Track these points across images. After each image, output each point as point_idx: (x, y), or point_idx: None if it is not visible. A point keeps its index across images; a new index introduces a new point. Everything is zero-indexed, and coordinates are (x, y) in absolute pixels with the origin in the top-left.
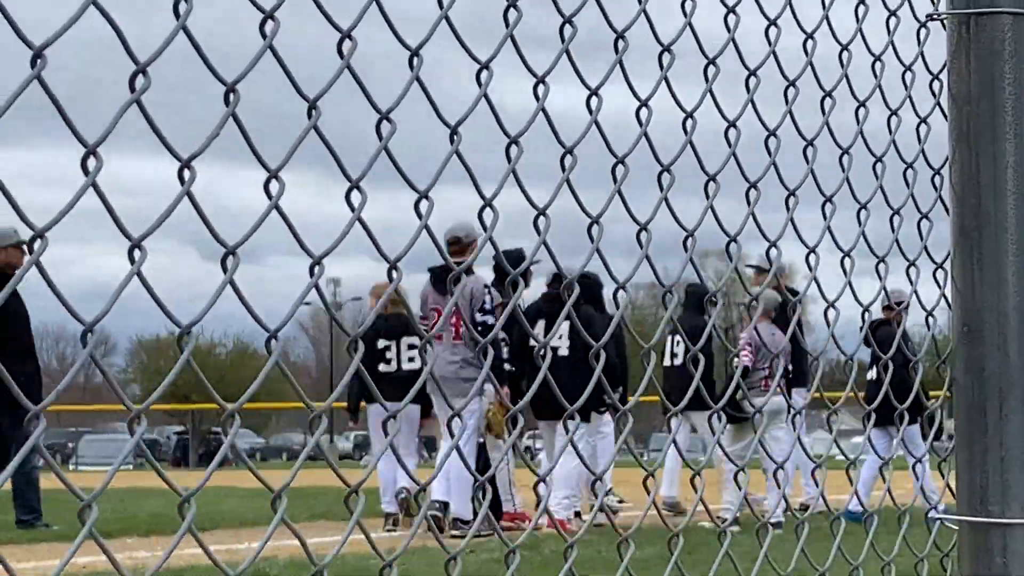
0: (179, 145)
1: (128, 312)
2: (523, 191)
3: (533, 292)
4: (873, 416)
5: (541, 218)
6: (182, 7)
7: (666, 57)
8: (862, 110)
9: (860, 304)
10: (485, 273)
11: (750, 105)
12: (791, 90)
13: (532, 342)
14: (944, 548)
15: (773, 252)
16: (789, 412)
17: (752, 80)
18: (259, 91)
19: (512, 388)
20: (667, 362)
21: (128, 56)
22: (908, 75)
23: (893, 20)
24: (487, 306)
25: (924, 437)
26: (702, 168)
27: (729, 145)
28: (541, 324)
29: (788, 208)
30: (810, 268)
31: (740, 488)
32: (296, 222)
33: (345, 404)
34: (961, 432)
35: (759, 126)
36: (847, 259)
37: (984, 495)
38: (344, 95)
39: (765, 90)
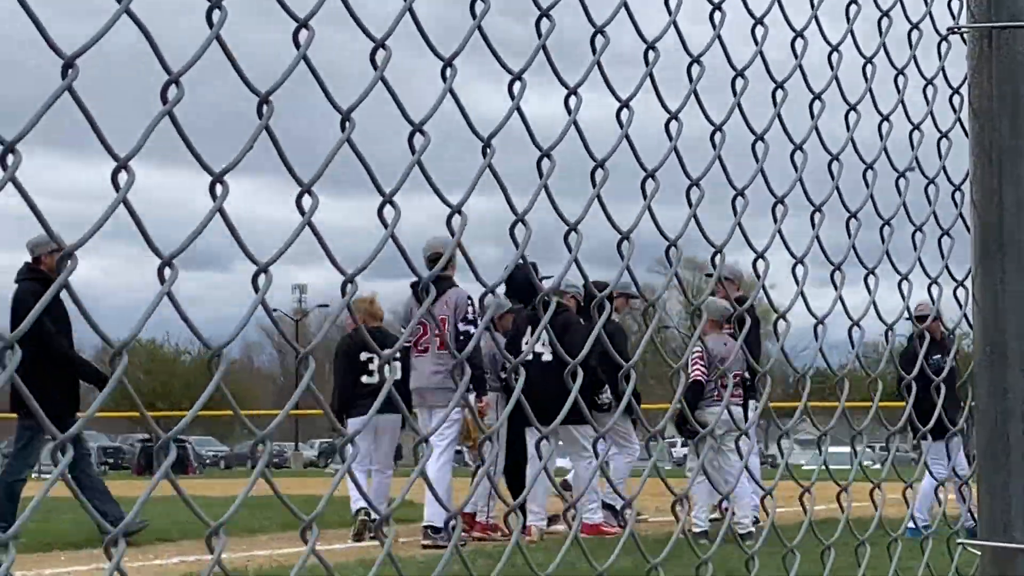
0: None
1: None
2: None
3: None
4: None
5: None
6: (215, 15)
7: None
8: (885, 124)
9: (884, 323)
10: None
11: (777, 119)
12: (816, 104)
13: (523, 349)
14: (966, 573)
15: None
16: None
17: (779, 93)
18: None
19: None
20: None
21: (161, 66)
22: (929, 89)
23: (915, 34)
24: (469, 316)
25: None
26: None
27: (757, 159)
28: (529, 331)
29: (813, 224)
30: (835, 286)
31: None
32: (270, 230)
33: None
34: (984, 456)
35: (782, 138)
36: (871, 276)
37: (1008, 520)
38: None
39: (790, 104)
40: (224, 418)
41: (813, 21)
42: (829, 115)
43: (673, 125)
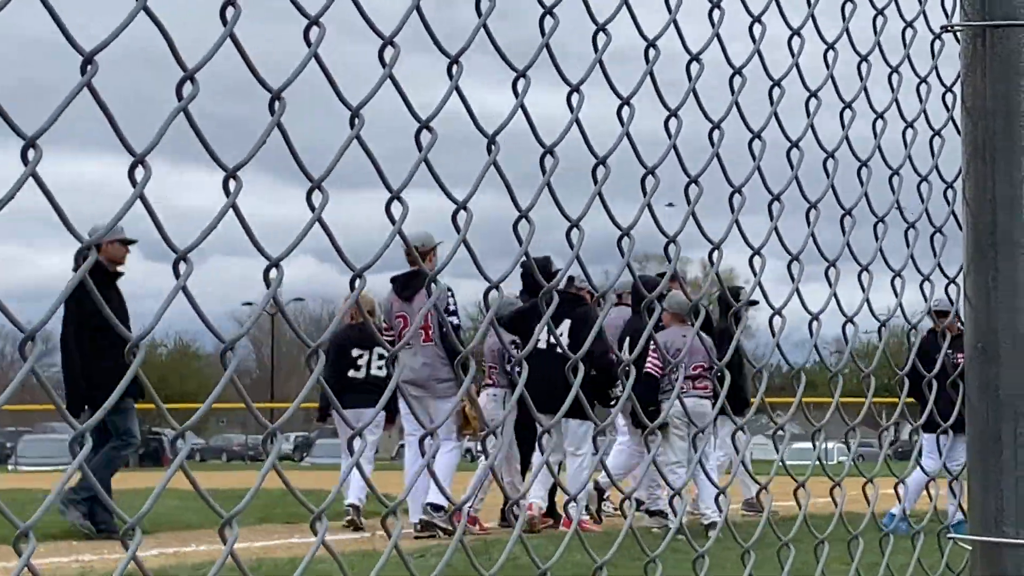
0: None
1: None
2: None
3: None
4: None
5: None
6: (229, 12)
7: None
8: (879, 122)
9: (877, 320)
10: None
11: (773, 118)
12: (812, 101)
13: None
14: (956, 567)
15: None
16: (716, 422)
17: (776, 91)
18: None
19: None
20: None
21: (176, 62)
22: (923, 88)
23: (909, 32)
24: (451, 307)
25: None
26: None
27: (754, 157)
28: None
29: (809, 222)
30: (829, 283)
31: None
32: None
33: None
34: (975, 452)
35: (778, 136)
36: (865, 273)
37: (999, 516)
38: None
39: (784, 102)
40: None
41: (810, 20)
42: (823, 113)
43: (672, 122)
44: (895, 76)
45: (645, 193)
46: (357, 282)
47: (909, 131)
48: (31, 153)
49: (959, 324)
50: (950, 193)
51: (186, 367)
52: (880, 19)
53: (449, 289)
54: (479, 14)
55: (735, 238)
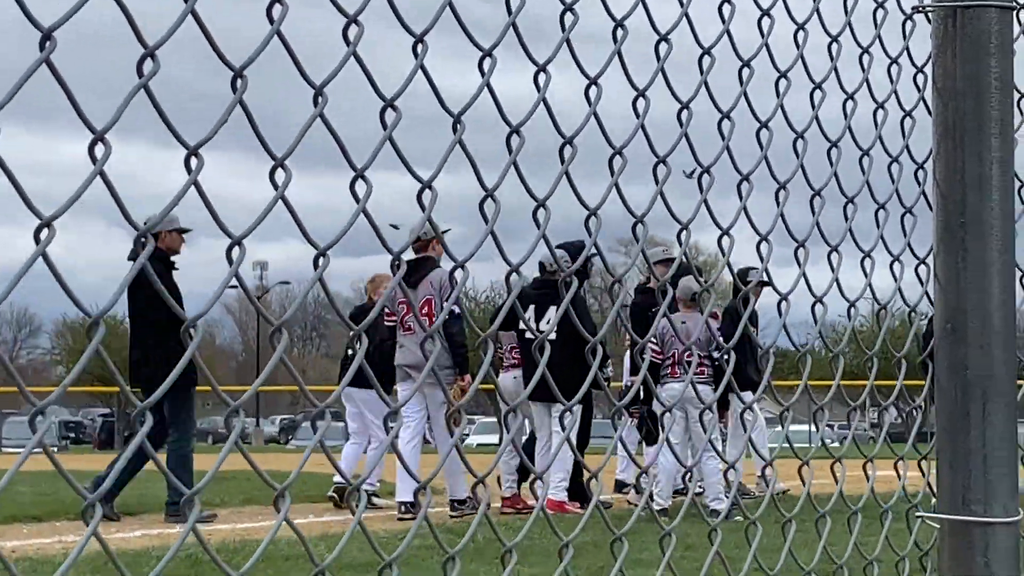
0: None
1: (53, 292)
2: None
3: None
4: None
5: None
6: None
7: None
8: (850, 103)
9: (847, 300)
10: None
11: (743, 97)
12: (782, 82)
13: (521, 327)
14: (924, 547)
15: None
16: (725, 407)
17: (746, 71)
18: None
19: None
20: None
21: (137, 39)
22: (893, 68)
23: (880, 13)
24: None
25: None
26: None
27: (724, 137)
28: (532, 309)
29: (778, 202)
30: (799, 263)
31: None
32: (235, 206)
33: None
34: (943, 431)
35: (748, 116)
36: (835, 253)
37: (967, 495)
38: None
39: (755, 82)
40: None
41: (780, 0)
42: (794, 94)
43: (640, 103)
44: (866, 56)
45: (613, 173)
46: (321, 260)
47: (880, 112)
48: None
49: None
50: (921, 174)
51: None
52: (851, 0)
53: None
54: None
55: (712, 217)
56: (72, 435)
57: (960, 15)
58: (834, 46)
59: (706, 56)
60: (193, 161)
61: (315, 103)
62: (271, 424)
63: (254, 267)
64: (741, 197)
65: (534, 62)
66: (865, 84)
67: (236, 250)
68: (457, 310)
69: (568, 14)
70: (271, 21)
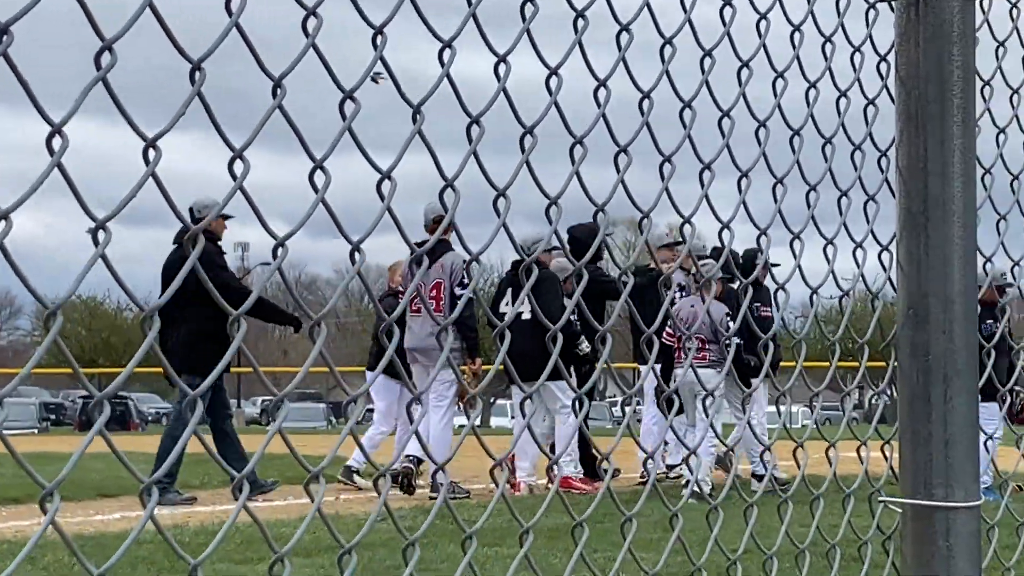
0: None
1: (34, 273)
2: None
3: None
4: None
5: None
6: None
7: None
8: (812, 91)
9: (809, 287)
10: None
11: (705, 86)
12: (744, 71)
13: (501, 311)
14: (887, 531)
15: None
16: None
17: (707, 61)
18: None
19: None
20: None
21: (94, 32)
22: (856, 56)
23: (843, 2)
24: (466, 280)
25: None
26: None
27: (685, 126)
28: (509, 294)
29: (740, 190)
30: (761, 250)
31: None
32: (220, 184)
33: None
34: (905, 416)
35: (710, 105)
36: (797, 240)
37: (928, 479)
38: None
39: (718, 71)
40: (162, 375)
41: None
42: (756, 82)
43: (601, 92)
44: (829, 45)
45: (573, 162)
46: (280, 251)
47: (843, 100)
48: None
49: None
50: (884, 161)
51: (135, 331)
52: None
53: (465, 263)
54: None
55: (672, 205)
56: (53, 416)
57: (922, 4)
58: (796, 35)
59: (668, 46)
60: (151, 153)
61: (274, 95)
62: (252, 405)
63: (235, 248)
64: (703, 185)
65: (494, 53)
66: (828, 73)
67: (201, 239)
68: (470, 294)
69: (528, 4)
70: (229, 14)
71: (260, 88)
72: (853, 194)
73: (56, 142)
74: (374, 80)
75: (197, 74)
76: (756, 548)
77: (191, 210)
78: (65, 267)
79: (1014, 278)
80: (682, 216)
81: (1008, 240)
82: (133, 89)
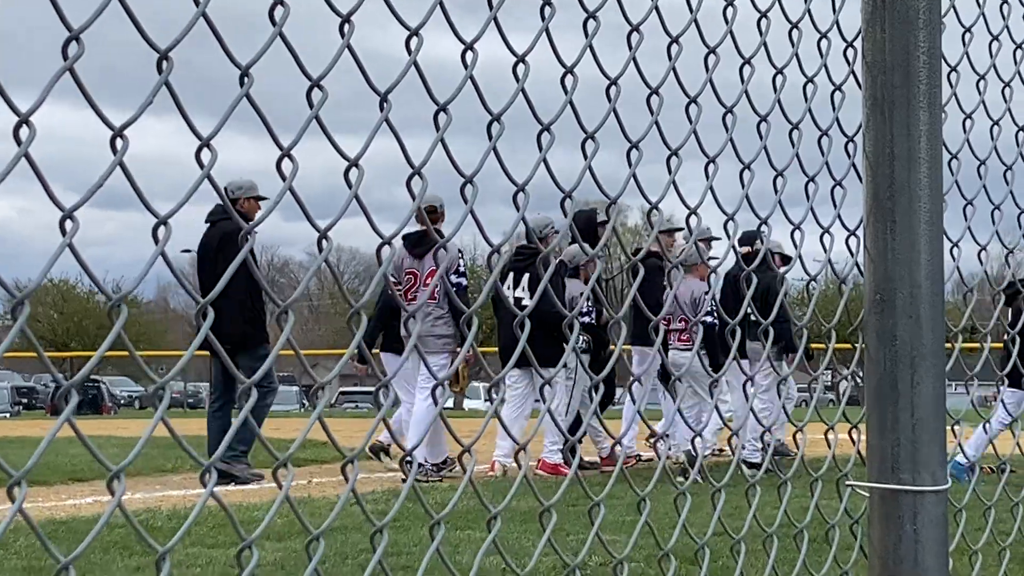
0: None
1: (7, 260)
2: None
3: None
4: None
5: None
6: None
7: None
8: (779, 77)
9: (776, 272)
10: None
11: (672, 73)
12: (711, 58)
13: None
14: (854, 515)
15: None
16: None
17: (675, 47)
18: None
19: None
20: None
21: (61, 22)
22: (823, 42)
23: None
24: (461, 268)
25: None
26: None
27: (652, 112)
28: (510, 278)
29: (708, 176)
30: (728, 235)
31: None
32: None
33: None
34: (872, 400)
35: (677, 92)
36: (764, 226)
37: (896, 463)
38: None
39: (685, 58)
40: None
41: None
42: (724, 68)
43: (568, 79)
44: (795, 31)
45: (541, 148)
46: (249, 237)
47: (809, 86)
48: None
49: None
50: (851, 147)
51: (111, 322)
52: None
53: (460, 251)
54: None
55: (640, 191)
56: (24, 400)
57: None
58: (763, 21)
59: (635, 33)
60: (119, 142)
61: (241, 83)
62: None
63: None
64: (671, 171)
65: (461, 40)
66: (795, 59)
67: (162, 229)
68: (464, 283)
69: None
70: (196, 3)
71: (234, 76)
72: (820, 179)
73: (24, 132)
74: None
75: (164, 63)
76: (726, 532)
77: (226, 190)
78: (43, 253)
79: (981, 263)
80: (649, 202)
81: (975, 225)
82: (113, 72)
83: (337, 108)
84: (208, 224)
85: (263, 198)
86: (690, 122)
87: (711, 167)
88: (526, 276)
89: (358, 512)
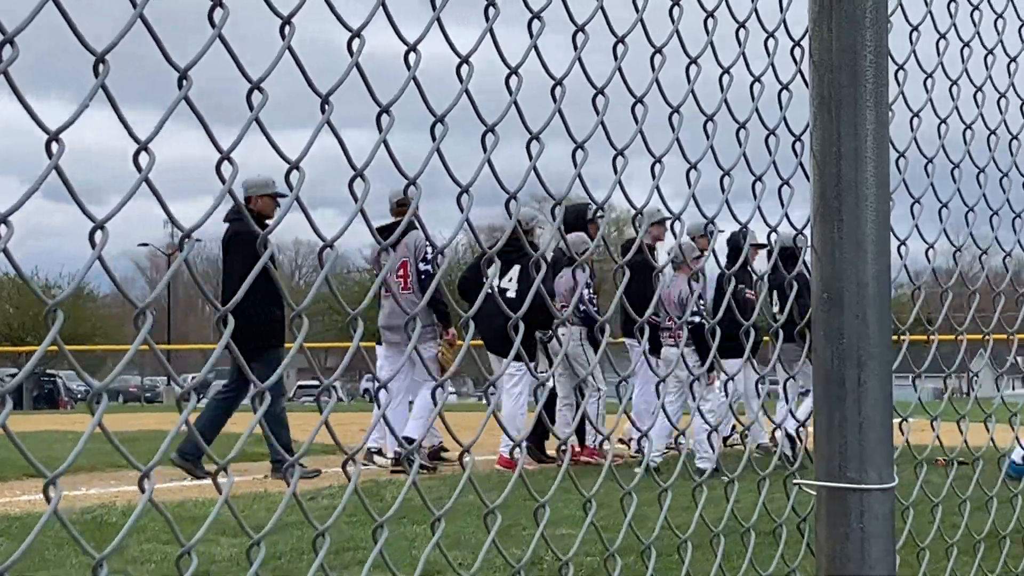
0: None
1: None
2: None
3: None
4: None
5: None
6: None
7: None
8: (726, 76)
9: (724, 270)
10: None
11: (618, 73)
12: (657, 57)
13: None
14: (802, 512)
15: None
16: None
17: (620, 47)
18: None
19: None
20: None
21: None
22: (770, 42)
23: None
24: (428, 256)
25: None
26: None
27: (598, 112)
28: (495, 267)
29: (654, 175)
30: (674, 235)
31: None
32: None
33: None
34: (820, 399)
35: (623, 91)
36: (711, 225)
37: (843, 461)
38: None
39: (629, 57)
40: (96, 353)
41: None
42: (670, 68)
43: (513, 80)
44: (743, 31)
45: (485, 150)
46: (185, 243)
47: (756, 85)
48: None
49: None
50: (798, 146)
51: (81, 309)
52: None
53: (428, 240)
54: None
55: (586, 191)
56: None
57: None
58: (710, 21)
59: (580, 33)
60: (55, 146)
61: (179, 86)
62: (182, 383)
63: (165, 224)
64: (616, 171)
65: (404, 42)
66: (742, 58)
67: (99, 233)
68: (432, 270)
69: None
70: (134, 5)
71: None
72: (768, 178)
73: None
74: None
75: (101, 66)
76: (671, 530)
77: (244, 189)
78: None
79: (929, 261)
80: (594, 202)
81: (923, 223)
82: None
83: (292, 104)
84: (226, 222)
85: (280, 195)
86: (636, 122)
87: (657, 167)
88: (516, 268)
89: (311, 507)
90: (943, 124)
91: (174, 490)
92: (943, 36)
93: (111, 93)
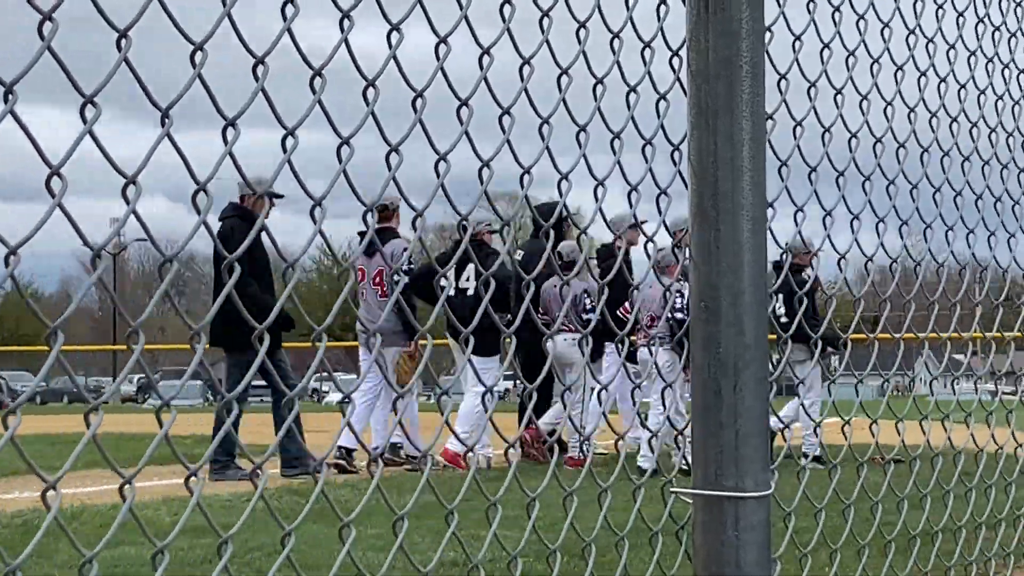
0: None
1: None
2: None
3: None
4: None
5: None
6: None
7: None
8: (599, 87)
9: (598, 281)
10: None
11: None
12: (526, 68)
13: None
14: (680, 520)
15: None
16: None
17: (486, 59)
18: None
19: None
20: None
21: None
22: (647, 52)
23: None
24: (405, 265)
25: None
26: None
27: (460, 123)
28: (449, 283)
29: (523, 185)
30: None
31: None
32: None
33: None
34: (697, 407)
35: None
36: (584, 235)
37: (719, 469)
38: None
39: (496, 67)
40: (40, 353)
41: None
42: (539, 78)
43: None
44: (617, 41)
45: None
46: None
47: (632, 95)
48: None
49: None
50: (676, 155)
51: (23, 308)
52: None
53: (405, 249)
54: None
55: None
56: None
57: (713, 0)
58: (582, 32)
59: (442, 44)
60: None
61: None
62: (129, 383)
63: (111, 223)
64: (482, 182)
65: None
66: (617, 68)
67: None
68: (401, 277)
69: None
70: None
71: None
72: (644, 188)
73: None
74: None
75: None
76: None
77: (239, 188)
78: None
79: (813, 270)
80: (459, 214)
81: (805, 230)
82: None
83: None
84: (220, 221)
85: (277, 195)
86: (503, 132)
87: (526, 178)
88: (470, 267)
89: (261, 507)
90: (827, 133)
91: (107, 493)
92: (827, 45)
93: (65, 67)
